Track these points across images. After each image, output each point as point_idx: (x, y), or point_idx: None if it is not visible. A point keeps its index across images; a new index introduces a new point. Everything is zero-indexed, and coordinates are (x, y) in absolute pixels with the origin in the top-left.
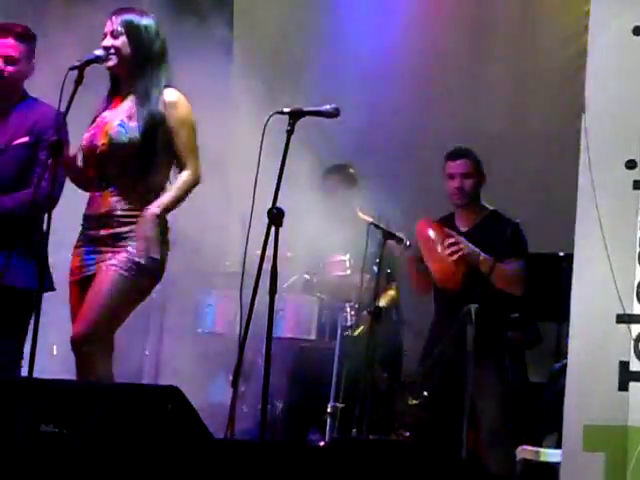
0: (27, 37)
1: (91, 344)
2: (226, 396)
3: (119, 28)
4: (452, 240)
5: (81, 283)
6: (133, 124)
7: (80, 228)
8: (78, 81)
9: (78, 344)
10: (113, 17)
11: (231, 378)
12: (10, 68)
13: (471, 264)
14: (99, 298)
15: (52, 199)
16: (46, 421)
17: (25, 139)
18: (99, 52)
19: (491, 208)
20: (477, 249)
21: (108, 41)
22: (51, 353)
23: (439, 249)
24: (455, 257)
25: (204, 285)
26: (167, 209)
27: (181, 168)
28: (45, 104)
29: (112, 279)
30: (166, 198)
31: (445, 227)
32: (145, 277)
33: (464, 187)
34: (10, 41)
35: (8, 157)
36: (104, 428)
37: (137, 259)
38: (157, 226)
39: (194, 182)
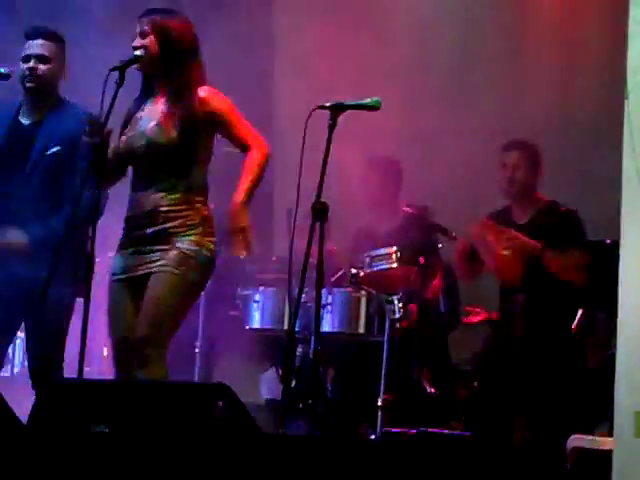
0: (55, 38)
1: (153, 348)
2: (277, 392)
3: (146, 28)
4: (508, 235)
5: (126, 282)
6: (169, 124)
7: (122, 232)
8: (119, 83)
9: (139, 347)
10: (142, 18)
11: (281, 374)
12: (43, 67)
13: (530, 257)
14: (157, 303)
15: (97, 207)
16: (97, 421)
17: (57, 148)
18: (139, 52)
19: (547, 199)
20: (534, 241)
21: (137, 41)
22: (101, 355)
23: (496, 246)
24: (511, 251)
25: (251, 281)
26: (250, 194)
27: (246, 150)
28: (79, 109)
29: (166, 281)
30: (245, 184)
31: (501, 221)
32: (198, 272)
33: (514, 177)
34: (40, 41)
35: (42, 167)
36: (155, 427)
37: (189, 253)
38: (247, 213)
39: (265, 159)
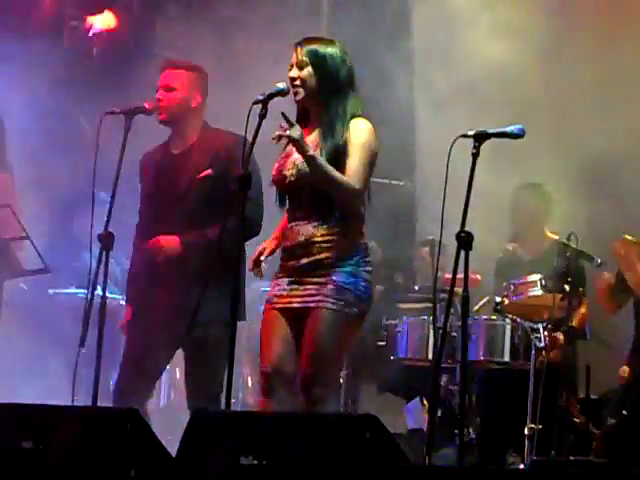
0: (183, 67)
1: (321, 386)
2: (422, 422)
3: (304, 59)
4: None
5: (281, 311)
6: (319, 154)
7: (279, 261)
8: (262, 115)
9: (306, 386)
10: (298, 48)
11: (427, 404)
12: (168, 95)
13: None
14: (318, 340)
15: (250, 230)
16: (245, 453)
17: (208, 171)
18: (282, 85)
19: None
20: None
21: (294, 72)
22: (246, 385)
23: (638, 263)
24: None
25: (394, 311)
26: (319, 164)
27: None
28: (228, 134)
29: (325, 317)
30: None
31: None
32: (356, 304)
33: None
34: (167, 72)
35: (194, 193)
36: (303, 458)
37: (345, 286)
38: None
39: (350, 192)
